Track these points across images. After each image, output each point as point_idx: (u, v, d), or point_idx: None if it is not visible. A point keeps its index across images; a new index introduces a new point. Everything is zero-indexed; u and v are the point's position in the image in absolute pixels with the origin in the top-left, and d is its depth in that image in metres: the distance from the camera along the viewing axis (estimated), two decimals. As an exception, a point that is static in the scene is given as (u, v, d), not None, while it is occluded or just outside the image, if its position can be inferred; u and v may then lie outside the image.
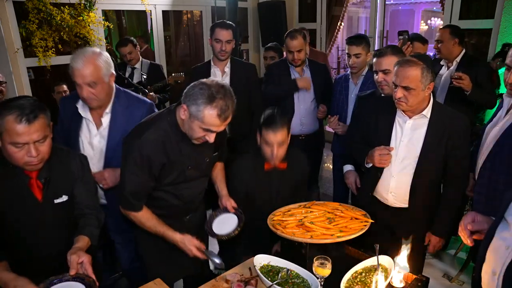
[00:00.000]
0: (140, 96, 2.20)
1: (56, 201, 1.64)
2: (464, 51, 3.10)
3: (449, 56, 3.11)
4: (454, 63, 3.10)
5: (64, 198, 1.66)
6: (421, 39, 3.39)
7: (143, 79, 3.77)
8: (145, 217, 1.79)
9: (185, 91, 1.61)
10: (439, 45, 3.12)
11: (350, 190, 2.69)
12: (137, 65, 3.90)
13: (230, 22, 2.92)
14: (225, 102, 1.55)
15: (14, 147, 1.44)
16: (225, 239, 1.86)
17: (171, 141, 1.69)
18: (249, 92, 2.95)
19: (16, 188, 1.57)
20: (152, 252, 1.97)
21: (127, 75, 3.82)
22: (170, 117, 1.70)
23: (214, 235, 1.89)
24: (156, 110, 2.11)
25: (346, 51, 2.91)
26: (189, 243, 1.76)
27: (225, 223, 1.93)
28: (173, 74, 3.82)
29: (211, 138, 1.62)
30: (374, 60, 2.31)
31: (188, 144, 1.72)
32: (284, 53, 4.34)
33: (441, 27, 3.26)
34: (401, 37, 2.97)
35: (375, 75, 2.33)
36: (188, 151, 1.74)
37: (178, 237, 1.77)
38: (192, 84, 1.60)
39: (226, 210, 2.01)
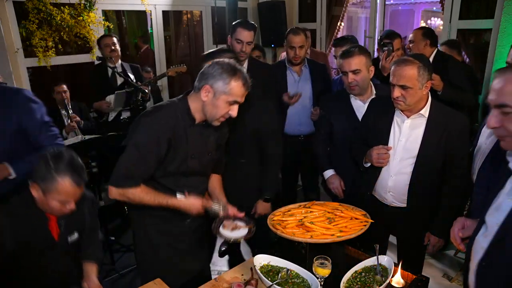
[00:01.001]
0: (12, 86, 2.08)
1: (70, 239, 1.73)
2: (436, 51, 3.11)
3: None
4: None
5: (76, 235, 1.76)
6: (399, 37, 3.40)
7: (130, 79, 3.71)
8: (144, 191, 1.74)
9: (201, 73, 1.68)
10: (410, 45, 3.18)
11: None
12: (117, 65, 3.73)
13: (253, 23, 2.82)
14: (244, 74, 1.67)
15: (58, 203, 1.56)
16: (233, 241, 1.83)
17: (180, 126, 1.72)
18: (264, 95, 2.80)
19: (36, 228, 1.63)
20: (151, 257, 1.95)
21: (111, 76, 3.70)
22: (182, 104, 1.74)
23: (222, 236, 1.83)
24: (34, 97, 2.01)
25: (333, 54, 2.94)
26: (195, 200, 1.77)
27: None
28: (172, 66, 3.72)
29: (234, 111, 1.70)
30: (341, 61, 2.28)
31: (194, 133, 1.76)
32: (282, 54, 4.34)
33: (416, 28, 3.34)
34: (385, 48, 2.91)
35: (343, 76, 2.31)
36: (193, 140, 1.77)
37: (183, 200, 1.77)
38: (206, 66, 1.67)
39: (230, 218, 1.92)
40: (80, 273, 1.77)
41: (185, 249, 1.95)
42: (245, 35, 2.70)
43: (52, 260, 1.69)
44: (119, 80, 3.72)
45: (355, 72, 2.24)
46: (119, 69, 3.72)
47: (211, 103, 1.66)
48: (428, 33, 3.13)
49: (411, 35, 3.21)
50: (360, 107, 2.37)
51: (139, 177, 1.72)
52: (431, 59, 3.07)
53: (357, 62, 2.23)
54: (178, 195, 1.77)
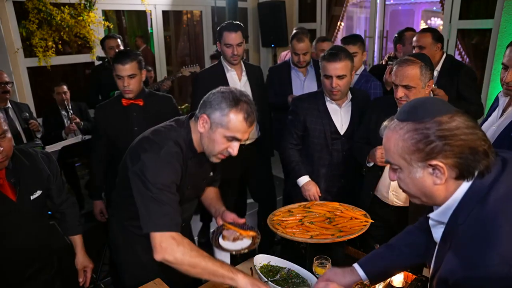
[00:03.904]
0: None
1: (32, 197, 1.69)
2: (445, 56, 2.81)
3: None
4: (435, 72, 2.75)
5: (39, 192, 1.72)
6: (411, 29, 3.29)
7: None
8: (192, 246, 1.38)
9: (203, 100, 1.48)
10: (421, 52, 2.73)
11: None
12: None
13: (237, 22, 2.70)
14: (249, 106, 1.43)
15: None
16: (236, 254, 1.61)
17: (183, 159, 1.50)
18: (259, 97, 2.73)
19: None
20: (143, 276, 1.67)
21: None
22: (185, 133, 1.52)
23: (223, 249, 1.60)
24: None
25: None
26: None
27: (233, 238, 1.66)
28: (184, 66, 3.69)
29: (234, 149, 1.46)
30: (325, 64, 2.12)
31: (194, 163, 1.57)
32: (281, 54, 4.35)
33: (419, 31, 2.90)
34: (391, 63, 2.71)
35: (325, 80, 2.16)
36: (192, 171, 1.57)
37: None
38: (210, 92, 1.47)
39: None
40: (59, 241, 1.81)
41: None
42: (233, 37, 2.60)
43: (17, 223, 1.66)
44: None
45: (340, 77, 2.12)
46: None
47: (207, 135, 1.45)
48: (438, 35, 2.78)
49: (416, 41, 2.80)
50: (336, 111, 2.29)
51: (177, 214, 1.44)
52: (439, 67, 2.79)
53: (343, 66, 2.09)
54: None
